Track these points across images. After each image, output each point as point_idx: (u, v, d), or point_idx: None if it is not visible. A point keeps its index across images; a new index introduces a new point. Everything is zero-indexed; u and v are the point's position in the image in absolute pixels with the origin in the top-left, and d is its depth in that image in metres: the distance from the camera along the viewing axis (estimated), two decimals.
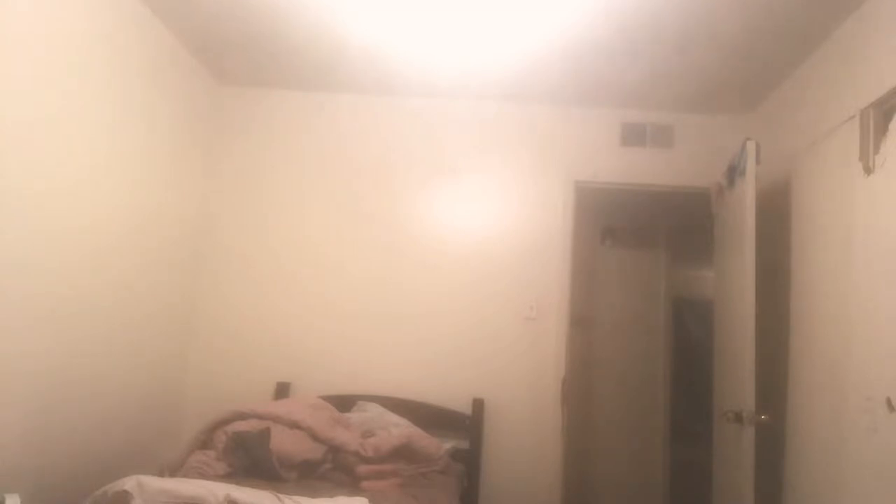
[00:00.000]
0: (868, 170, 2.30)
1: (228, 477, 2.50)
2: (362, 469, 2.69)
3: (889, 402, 2.05)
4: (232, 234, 3.64)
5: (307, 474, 2.68)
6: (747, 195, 2.76)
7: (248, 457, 2.64)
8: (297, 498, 2.12)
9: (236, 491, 2.03)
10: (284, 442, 2.68)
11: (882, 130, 2.27)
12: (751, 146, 2.81)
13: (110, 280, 2.76)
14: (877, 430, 2.12)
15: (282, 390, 3.44)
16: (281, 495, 2.09)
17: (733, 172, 3.03)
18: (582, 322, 4.68)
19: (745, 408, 2.67)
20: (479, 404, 3.42)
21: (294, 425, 2.79)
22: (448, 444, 3.17)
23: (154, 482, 2.01)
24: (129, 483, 1.97)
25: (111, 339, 2.80)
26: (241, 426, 2.75)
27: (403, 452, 2.86)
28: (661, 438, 4.88)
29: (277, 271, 3.60)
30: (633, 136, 3.67)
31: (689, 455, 4.57)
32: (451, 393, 3.44)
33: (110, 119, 2.71)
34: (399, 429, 3.09)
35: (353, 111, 3.71)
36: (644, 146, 3.66)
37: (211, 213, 3.63)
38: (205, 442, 2.80)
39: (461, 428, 3.37)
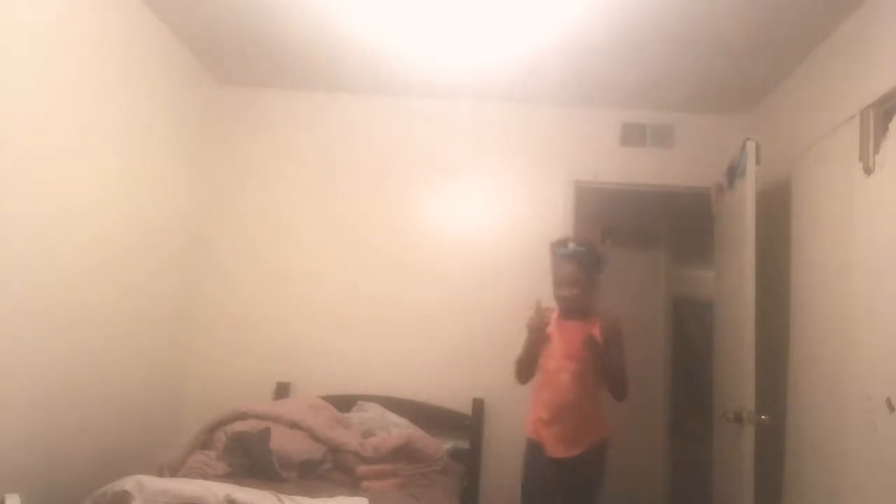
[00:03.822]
0: (868, 170, 2.30)
1: (228, 477, 2.50)
2: (362, 469, 2.69)
3: (889, 402, 2.05)
4: (232, 234, 3.64)
5: (307, 474, 2.68)
6: (747, 195, 2.76)
7: (248, 457, 2.64)
8: (297, 498, 2.12)
9: (236, 491, 2.03)
10: (284, 442, 2.68)
11: (882, 130, 2.27)
12: (751, 146, 2.81)
13: (109, 279, 2.76)
14: (877, 430, 2.12)
15: (282, 390, 3.44)
16: (281, 495, 2.09)
17: (733, 172, 3.03)
18: None
19: (745, 408, 2.67)
20: (479, 404, 3.42)
21: (294, 425, 2.79)
22: (448, 444, 3.18)
23: (154, 482, 2.00)
24: (129, 483, 1.97)
25: (111, 340, 2.80)
26: (241, 426, 2.75)
27: (403, 452, 2.86)
28: (661, 438, 4.87)
29: (277, 271, 3.60)
30: (633, 136, 3.66)
31: (689, 455, 4.57)
32: (451, 393, 3.43)
33: (110, 119, 2.70)
34: (399, 429, 3.09)
35: (353, 111, 3.70)
36: (644, 146, 3.65)
37: (211, 214, 3.62)
38: (205, 442, 2.80)
39: (461, 428, 3.37)
